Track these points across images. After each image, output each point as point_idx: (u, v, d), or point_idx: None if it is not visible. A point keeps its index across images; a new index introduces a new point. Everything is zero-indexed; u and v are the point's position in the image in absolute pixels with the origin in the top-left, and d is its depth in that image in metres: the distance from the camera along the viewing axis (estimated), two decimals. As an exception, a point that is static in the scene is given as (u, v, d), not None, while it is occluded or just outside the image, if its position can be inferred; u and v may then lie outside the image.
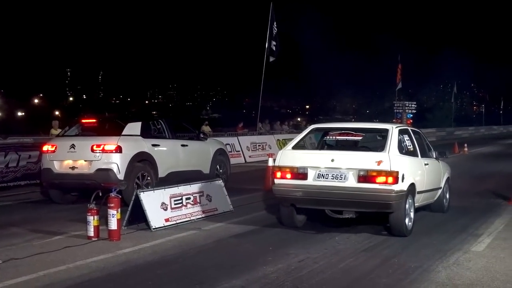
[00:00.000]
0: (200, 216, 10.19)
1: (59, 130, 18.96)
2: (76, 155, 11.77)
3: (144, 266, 7.18)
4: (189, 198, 10.13)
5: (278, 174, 9.18)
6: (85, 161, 11.68)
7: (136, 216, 9.30)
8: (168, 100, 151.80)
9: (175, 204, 9.78)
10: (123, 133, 11.98)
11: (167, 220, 9.48)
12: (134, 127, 12.29)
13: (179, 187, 10.12)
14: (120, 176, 11.48)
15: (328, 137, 10.22)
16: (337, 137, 9.83)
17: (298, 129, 33.37)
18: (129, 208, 9.27)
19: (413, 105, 44.78)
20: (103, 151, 11.52)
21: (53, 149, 12.07)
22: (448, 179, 11.40)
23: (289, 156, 9.25)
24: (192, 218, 9.99)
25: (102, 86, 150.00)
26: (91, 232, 8.52)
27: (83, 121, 13.17)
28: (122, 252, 7.85)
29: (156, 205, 9.43)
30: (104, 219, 8.69)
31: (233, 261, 7.41)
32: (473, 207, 11.92)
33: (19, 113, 79.45)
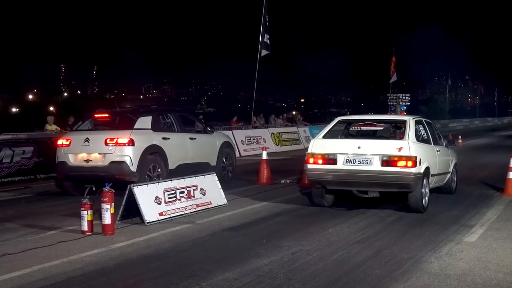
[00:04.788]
0: (194, 210, 10.20)
1: (54, 126, 18.97)
2: (90, 149, 12.15)
3: (138, 260, 7.20)
4: (183, 192, 10.14)
5: (311, 160, 10.32)
6: (99, 154, 12.06)
7: (130, 211, 9.30)
8: (163, 95, 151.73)
9: (169, 198, 9.79)
10: (135, 127, 12.33)
11: (161, 214, 9.49)
12: (145, 121, 12.68)
13: (172, 181, 10.14)
14: (133, 168, 11.88)
15: (353, 127, 11.17)
16: (362, 128, 10.93)
17: (293, 122, 33.39)
18: (123, 203, 9.28)
19: (406, 98, 44.77)
20: (117, 144, 11.92)
21: (68, 143, 12.44)
22: (455, 164, 12.54)
23: (320, 144, 10.42)
24: (186, 212, 10.01)
25: (96, 81, 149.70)
26: (85, 227, 8.52)
27: (96, 115, 13.37)
28: (116, 246, 7.87)
29: (150, 199, 9.43)
30: (98, 214, 8.70)
31: (227, 254, 7.44)
32: (466, 198, 11.98)
33: (13, 109, 79.24)
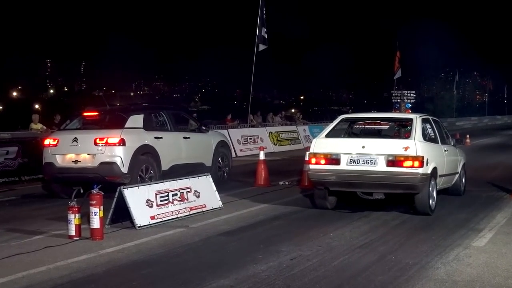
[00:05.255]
0: (187, 213, 10.20)
1: (39, 125, 18.95)
2: (79, 149, 12.12)
3: (128, 266, 7.20)
4: (176, 195, 10.14)
5: (313, 160, 10.40)
6: (88, 154, 12.03)
7: (120, 214, 9.30)
8: (155, 92, 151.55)
9: (161, 200, 9.79)
10: (125, 125, 12.31)
11: (152, 217, 9.48)
12: (136, 120, 12.66)
13: (165, 182, 10.15)
14: (124, 169, 11.85)
15: (357, 126, 11.33)
16: (366, 126, 11.10)
17: (291, 121, 33.41)
18: (112, 206, 9.28)
19: (411, 94, 44.71)
20: (107, 144, 11.88)
21: (55, 143, 12.40)
22: (464, 164, 12.63)
23: (323, 144, 10.50)
24: (179, 215, 10.01)
25: (84, 77, 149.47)
26: (73, 231, 8.51)
27: (85, 114, 13.35)
28: (105, 251, 7.87)
29: (141, 202, 9.43)
30: (86, 218, 8.70)
31: (222, 260, 7.44)
32: (474, 200, 11.99)
33: (-4, 107, 79.08)
